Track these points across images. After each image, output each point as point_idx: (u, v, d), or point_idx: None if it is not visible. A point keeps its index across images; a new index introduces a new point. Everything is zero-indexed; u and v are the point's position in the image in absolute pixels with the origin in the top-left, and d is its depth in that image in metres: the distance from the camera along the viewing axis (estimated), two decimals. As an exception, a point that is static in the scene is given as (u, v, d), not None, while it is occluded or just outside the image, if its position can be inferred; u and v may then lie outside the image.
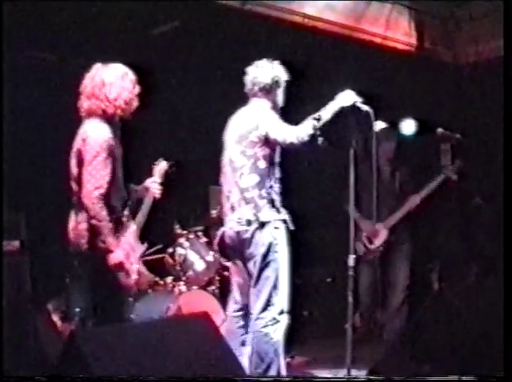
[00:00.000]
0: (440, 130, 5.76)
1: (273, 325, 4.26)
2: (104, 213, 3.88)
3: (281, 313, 4.32)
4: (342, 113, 4.16)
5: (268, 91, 4.45)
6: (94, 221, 3.89)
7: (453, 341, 3.82)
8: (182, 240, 5.65)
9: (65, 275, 5.11)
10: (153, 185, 4.44)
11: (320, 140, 4.19)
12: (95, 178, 3.87)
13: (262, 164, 4.36)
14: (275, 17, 5.63)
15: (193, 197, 6.26)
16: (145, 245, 4.41)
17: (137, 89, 4.11)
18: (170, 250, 5.70)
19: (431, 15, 6.92)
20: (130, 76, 4.11)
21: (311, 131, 4.13)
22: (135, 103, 4.11)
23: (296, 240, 4.63)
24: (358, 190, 5.12)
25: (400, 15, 6.68)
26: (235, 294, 4.59)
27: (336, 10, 6.10)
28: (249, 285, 4.42)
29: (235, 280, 4.59)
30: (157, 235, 5.93)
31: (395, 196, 6.13)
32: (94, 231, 3.91)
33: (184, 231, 5.69)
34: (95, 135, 3.93)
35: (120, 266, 3.97)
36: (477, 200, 6.17)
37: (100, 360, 2.80)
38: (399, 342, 4.11)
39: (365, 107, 4.13)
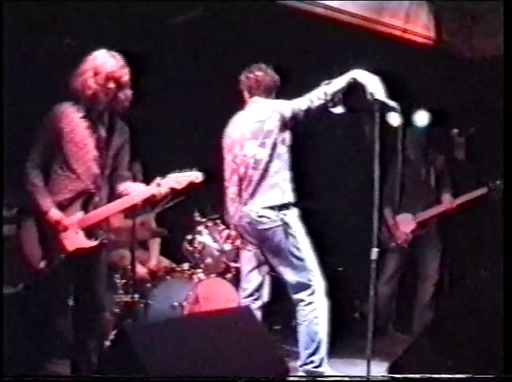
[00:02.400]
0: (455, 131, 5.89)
1: (311, 304, 4.52)
2: (35, 180, 4.08)
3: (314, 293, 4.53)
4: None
5: (268, 90, 4.76)
6: (27, 187, 4.11)
7: (473, 337, 3.87)
8: (201, 228, 5.70)
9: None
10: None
11: (339, 107, 4.44)
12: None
13: (282, 149, 4.59)
14: (301, 9, 5.63)
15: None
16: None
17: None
18: (189, 237, 5.76)
19: (449, 8, 6.92)
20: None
21: (322, 94, 4.40)
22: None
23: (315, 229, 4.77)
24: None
25: (419, 8, 6.69)
26: (243, 282, 4.79)
27: (357, 3, 6.11)
28: (260, 270, 4.72)
29: (245, 268, 4.79)
30: (176, 222, 6.03)
31: (430, 191, 6.18)
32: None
33: (203, 219, 5.74)
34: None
35: (58, 223, 4.09)
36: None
37: (148, 354, 2.84)
38: (421, 337, 4.16)
39: (392, 103, 4.17)
